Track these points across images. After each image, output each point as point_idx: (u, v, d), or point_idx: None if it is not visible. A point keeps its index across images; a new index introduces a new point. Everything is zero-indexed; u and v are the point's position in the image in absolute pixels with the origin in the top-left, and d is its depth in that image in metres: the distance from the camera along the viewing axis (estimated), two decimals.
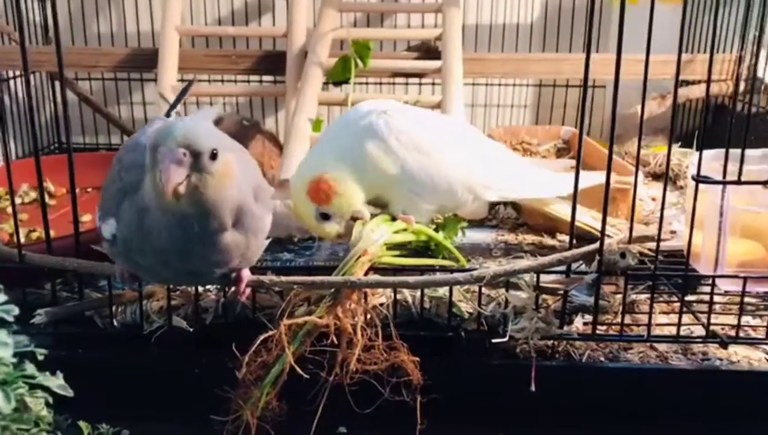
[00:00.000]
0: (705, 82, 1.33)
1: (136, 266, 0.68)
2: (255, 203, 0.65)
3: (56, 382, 0.55)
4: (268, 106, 1.73)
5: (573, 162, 1.08)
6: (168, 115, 0.85)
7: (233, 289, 0.74)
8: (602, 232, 0.74)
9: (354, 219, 0.87)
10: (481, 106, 1.70)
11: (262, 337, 0.68)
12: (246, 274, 0.72)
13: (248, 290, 0.74)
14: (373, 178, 0.86)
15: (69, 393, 0.56)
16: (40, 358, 0.56)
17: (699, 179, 0.74)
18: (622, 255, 0.73)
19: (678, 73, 0.74)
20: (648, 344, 0.80)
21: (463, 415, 0.78)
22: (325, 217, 0.86)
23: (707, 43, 1.51)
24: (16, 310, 0.53)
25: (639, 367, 0.78)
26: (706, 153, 0.74)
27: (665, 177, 0.75)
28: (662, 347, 0.81)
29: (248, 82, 1.64)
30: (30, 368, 0.54)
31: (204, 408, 0.70)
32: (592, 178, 0.90)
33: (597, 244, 0.74)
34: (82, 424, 0.64)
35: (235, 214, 0.62)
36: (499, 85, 1.69)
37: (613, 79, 0.69)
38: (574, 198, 0.74)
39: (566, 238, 1.04)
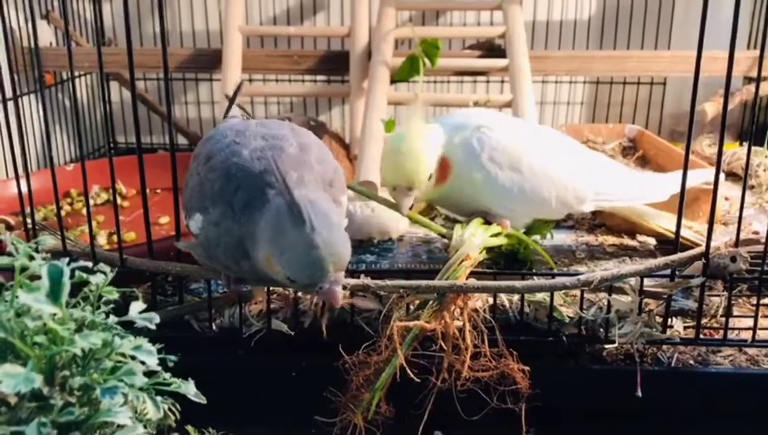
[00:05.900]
0: None
1: (219, 264, 0.69)
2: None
3: (192, 390, 0.55)
4: (321, 104, 1.72)
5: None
6: (225, 116, 0.84)
7: (322, 302, 0.74)
8: (708, 235, 0.73)
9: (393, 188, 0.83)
10: (536, 104, 1.68)
11: (368, 342, 0.69)
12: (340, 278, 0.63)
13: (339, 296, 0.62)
14: (464, 192, 0.86)
15: (202, 400, 0.55)
16: (170, 364, 0.56)
17: None
18: (733, 259, 0.72)
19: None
20: (737, 347, 0.79)
21: (559, 421, 0.77)
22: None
23: None
24: (157, 318, 0.53)
25: (736, 372, 0.78)
26: None
27: None
28: (752, 351, 0.79)
29: (302, 81, 1.64)
30: (165, 375, 0.54)
31: (304, 410, 0.71)
32: (698, 177, 0.88)
33: (703, 248, 0.73)
34: (189, 428, 0.64)
35: None
36: (555, 82, 1.67)
37: (687, 75, 0.67)
38: (681, 202, 0.73)
39: (647, 239, 1.04)
